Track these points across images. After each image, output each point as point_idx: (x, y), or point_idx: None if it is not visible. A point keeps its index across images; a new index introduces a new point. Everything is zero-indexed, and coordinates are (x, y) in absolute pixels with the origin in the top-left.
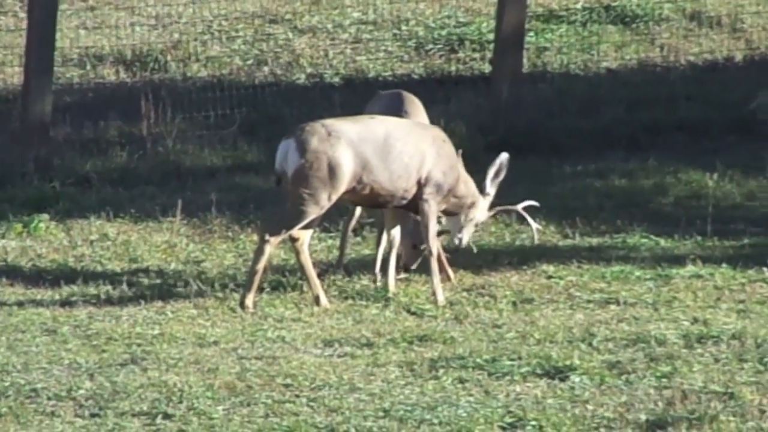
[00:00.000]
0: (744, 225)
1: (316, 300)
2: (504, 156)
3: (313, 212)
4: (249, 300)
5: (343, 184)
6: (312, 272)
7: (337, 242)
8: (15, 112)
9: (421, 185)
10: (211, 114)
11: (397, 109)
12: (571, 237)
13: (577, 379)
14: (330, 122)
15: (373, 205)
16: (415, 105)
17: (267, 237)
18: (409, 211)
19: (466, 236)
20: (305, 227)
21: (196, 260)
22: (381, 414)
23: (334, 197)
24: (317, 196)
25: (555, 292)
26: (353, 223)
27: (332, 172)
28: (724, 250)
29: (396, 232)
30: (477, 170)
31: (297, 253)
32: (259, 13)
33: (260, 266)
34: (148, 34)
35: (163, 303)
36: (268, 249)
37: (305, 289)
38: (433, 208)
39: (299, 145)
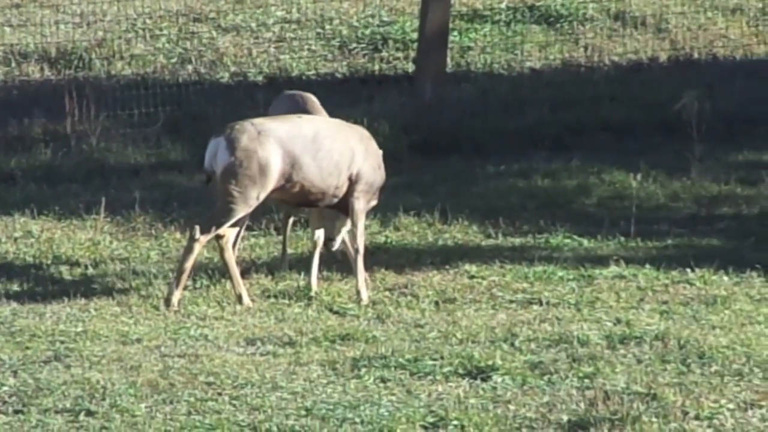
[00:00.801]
0: (667, 226)
1: (239, 298)
2: None
3: (242, 210)
4: (175, 298)
5: (272, 182)
6: (235, 270)
7: (261, 240)
8: None
9: (351, 182)
10: (135, 112)
11: (299, 110)
12: (493, 237)
13: (499, 379)
14: (259, 121)
15: (304, 204)
16: (315, 105)
17: (196, 235)
18: (339, 211)
19: (339, 241)
20: (232, 225)
21: (120, 258)
22: (303, 413)
23: (263, 196)
24: (246, 195)
25: (477, 292)
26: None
27: (262, 170)
28: (647, 250)
29: (320, 232)
30: (400, 170)
31: (221, 251)
32: (183, 12)
33: (188, 265)
34: (72, 31)
35: (87, 300)
36: (197, 247)
37: (228, 287)
38: (363, 206)
39: (229, 143)
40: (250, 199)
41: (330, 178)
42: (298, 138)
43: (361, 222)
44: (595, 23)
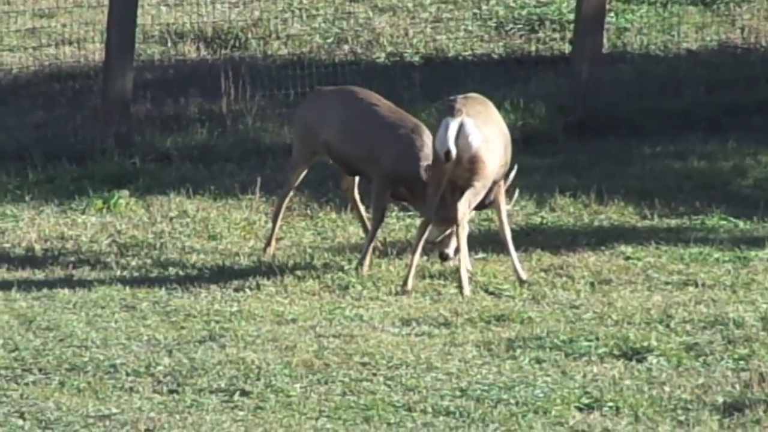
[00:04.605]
0: None
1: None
2: None
3: (490, 183)
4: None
5: (507, 153)
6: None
7: (417, 221)
8: (96, 89)
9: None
10: (291, 92)
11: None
12: (649, 218)
13: (654, 361)
14: (473, 96)
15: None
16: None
17: (458, 219)
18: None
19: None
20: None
21: (275, 237)
22: (458, 393)
23: (503, 170)
24: (493, 169)
25: (633, 274)
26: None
27: (505, 142)
28: None
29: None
30: (556, 151)
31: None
32: None
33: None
34: (228, 11)
35: (242, 280)
36: (461, 230)
37: (383, 267)
38: None
39: (477, 121)
40: (497, 174)
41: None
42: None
43: None
44: (752, 4)
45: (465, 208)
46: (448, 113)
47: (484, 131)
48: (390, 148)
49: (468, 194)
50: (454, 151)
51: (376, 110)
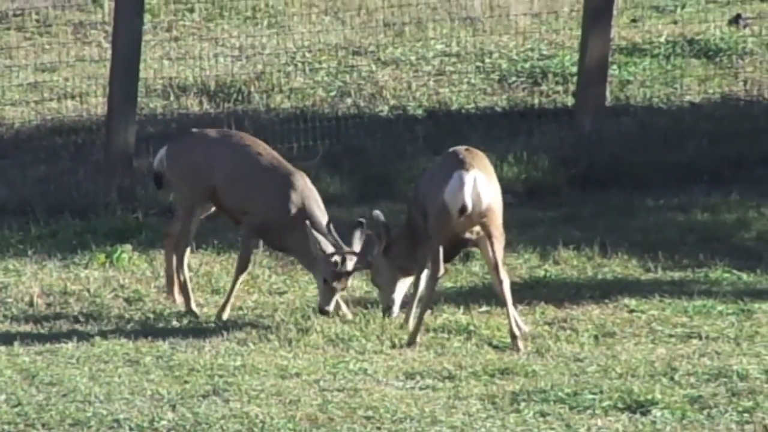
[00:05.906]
0: None
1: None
2: None
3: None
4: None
5: None
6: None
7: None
8: (98, 143)
9: None
10: (294, 145)
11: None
12: (653, 271)
13: (658, 414)
14: (475, 150)
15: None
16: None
17: (500, 270)
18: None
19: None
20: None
21: (279, 291)
22: None
23: None
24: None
25: (637, 326)
26: None
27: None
28: None
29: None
30: (560, 203)
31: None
32: (343, 45)
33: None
34: (231, 65)
35: (246, 334)
36: (505, 286)
37: (386, 321)
38: None
39: (487, 174)
40: None
41: None
42: None
43: None
44: (754, 57)
45: (502, 258)
46: (460, 167)
47: (492, 183)
48: (259, 198)
49: (497, 245)
50: (470, 206)
51: (257, 159)
